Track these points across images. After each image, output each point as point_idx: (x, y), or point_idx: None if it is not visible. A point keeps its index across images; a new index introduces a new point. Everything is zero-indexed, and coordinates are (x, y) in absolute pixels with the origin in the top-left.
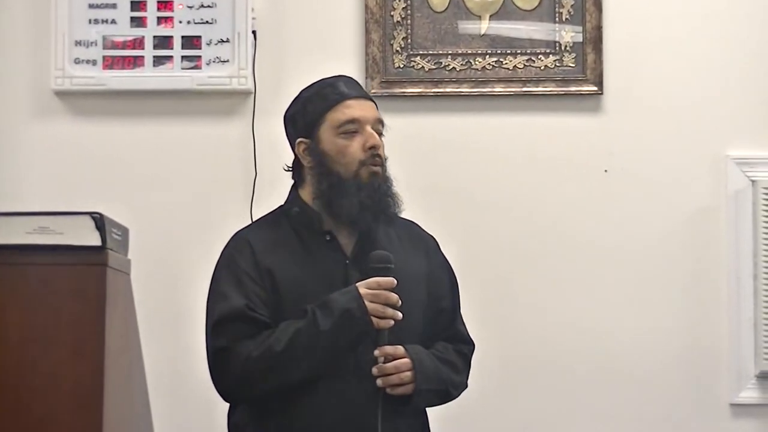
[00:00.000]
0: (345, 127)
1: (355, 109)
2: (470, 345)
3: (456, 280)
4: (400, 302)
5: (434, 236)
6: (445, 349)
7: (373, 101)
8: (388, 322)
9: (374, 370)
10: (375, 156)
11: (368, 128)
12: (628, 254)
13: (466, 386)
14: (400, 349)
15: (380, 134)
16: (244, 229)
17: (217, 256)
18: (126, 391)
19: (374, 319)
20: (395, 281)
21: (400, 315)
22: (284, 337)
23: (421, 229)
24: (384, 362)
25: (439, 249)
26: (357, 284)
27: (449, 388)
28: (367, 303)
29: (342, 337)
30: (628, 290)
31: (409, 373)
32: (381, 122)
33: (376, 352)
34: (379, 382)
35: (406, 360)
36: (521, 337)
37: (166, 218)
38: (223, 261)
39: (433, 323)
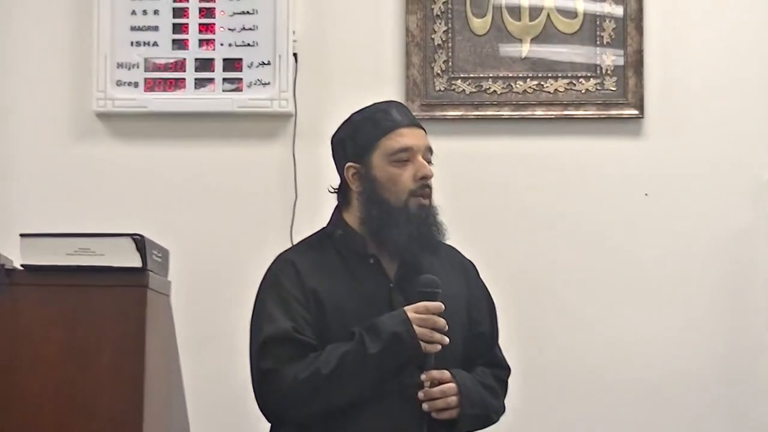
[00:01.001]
0: (398, 155)
1: (408, 137)
2: (506, 370)
3: (494, 305)
4: (446, 327)
5: (473, 261)
6: (483, 374)
7: (423, 129)
8: (435, 347)
9: (420, 395)
10: (425, 187)
11: (419, 157)
12: (668, 277)
13: (504, 410)
14: (446, 373)
15: (429, 162)
16: (288, 250)
17: (257, 277)
18: (165, 412)
19: (422, 344)
20: (443, 306)
21: (447, 340)
22: (332, 360)
23: (461, 254)
24: (430, 386)
25: (478, 274)
26: (405, 308)
27: (490, 413)
28: (415, 327)
29: (390, 361)
30: (668, 313)
31: (455, 398)
32: (431, 150)
33: (423, 377)
34: (425, 406)
35: (452, 385)
36: (560, 354)
37: (207, 240)
38: (268, 282)
39: (471, 348)
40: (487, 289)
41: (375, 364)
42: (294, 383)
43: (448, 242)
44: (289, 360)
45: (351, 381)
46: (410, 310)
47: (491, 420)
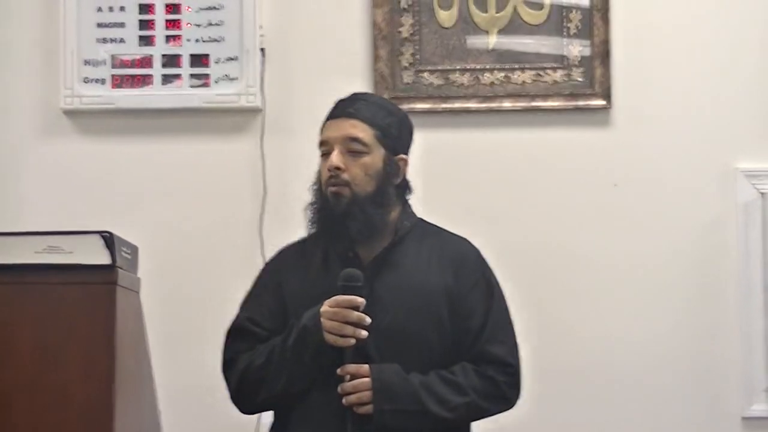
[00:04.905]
0: (321, 149)
1: (327, 130)
2: (504, 366)
3: (493, 300)
4: (368, 321)
5: (480, 254)
6: (462, 370)
7: (361, 117)
8: (347, 341)
9: (339, 389)
10: (331, 177)
11: (335, 149)
12: (637, 268)
13: (488, 410)
14: (363, 368)
15: (358, 152)
16: (291, 243)
17: (226, 272)
18: (136, 409)
19: (332, 337)
20: (358, 300)
21: (364, 333)
22: (266, 351)
23: (464, 245)
24: (349, 380)
25: (480, 267)
26: (325, 301)
27: (435, 410)
28: (323, 320)
29: (302, 353)
30: (637, 303)
31: (368, 393)
32: (355, 139)
33: (339, 371)
34: (344, 400)
35: (366, 379)
36: (527, 349)
37: (176, 236)
38: (257, 275)
39: (457, 343)
40: (488, 283)
41: (292, 356)
42: (238, 373)
43: (454, 233)
44: (242, 351)
45: (277, 372)
46: (325, 304)
47: (439, 417)
